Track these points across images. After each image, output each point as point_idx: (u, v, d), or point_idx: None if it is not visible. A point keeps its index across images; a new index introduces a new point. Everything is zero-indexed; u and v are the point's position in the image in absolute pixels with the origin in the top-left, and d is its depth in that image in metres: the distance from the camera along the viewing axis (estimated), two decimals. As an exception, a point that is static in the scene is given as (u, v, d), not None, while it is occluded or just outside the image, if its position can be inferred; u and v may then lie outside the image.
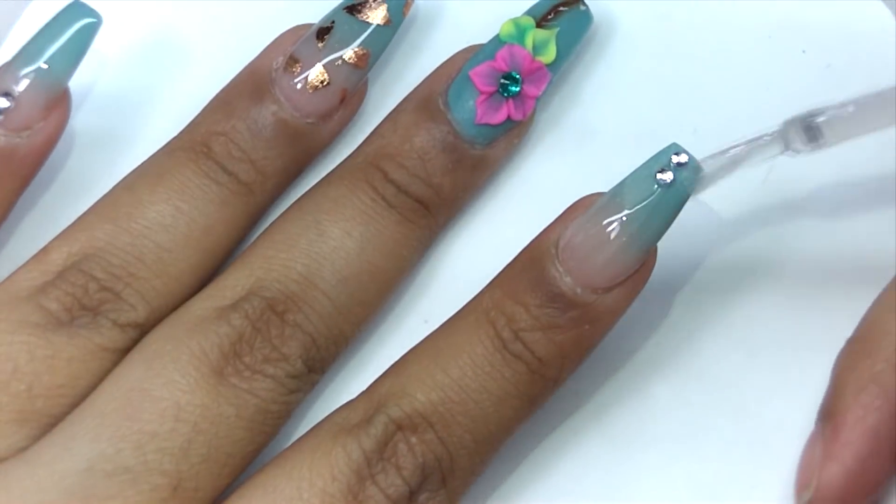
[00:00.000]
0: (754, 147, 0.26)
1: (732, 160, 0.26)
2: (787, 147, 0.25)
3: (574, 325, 0.26)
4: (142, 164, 0.29)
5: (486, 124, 0.29)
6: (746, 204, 0.30)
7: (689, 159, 0.26)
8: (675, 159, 0.26)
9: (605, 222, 0.26)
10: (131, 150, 0.31)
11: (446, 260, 0.30)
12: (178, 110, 0.30)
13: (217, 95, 0.30)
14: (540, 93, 0.30)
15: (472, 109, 0.29)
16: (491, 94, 0.29)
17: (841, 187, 0.31)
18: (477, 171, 0.30)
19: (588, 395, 0.29)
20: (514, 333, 0.26)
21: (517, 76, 0.29)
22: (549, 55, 0.30)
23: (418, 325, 0.29)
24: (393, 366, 0.27)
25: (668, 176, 0.26)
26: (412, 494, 0.25)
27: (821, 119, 0.24)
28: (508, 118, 0.29)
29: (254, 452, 0.27)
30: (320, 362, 0.28)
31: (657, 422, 0.29)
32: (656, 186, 0.26)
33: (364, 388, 0.27)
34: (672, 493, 0.28)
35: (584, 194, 0.29)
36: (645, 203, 0.26)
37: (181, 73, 0.32)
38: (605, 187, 0.30)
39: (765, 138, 0.26)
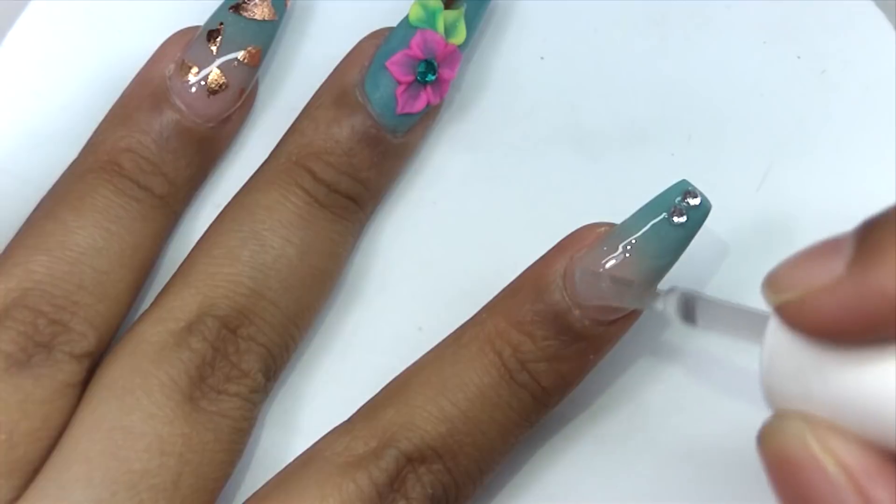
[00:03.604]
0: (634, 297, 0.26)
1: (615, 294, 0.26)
2: (662, 308, 0.24)
3: (580, 355, 0.27)
4: (53, 189, 0.29)
5: (407, 113, 0.29)
6: (740, 211, 0.30)
7: (700, 200, 0.26)
8: (690, 201, 0.26)
9: (615, 258, 0.26)
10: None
11: (441, 267, 0.30)
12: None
13: (113, 110, 0.29)
14: (455, 75, 0.30)
15: (392, 100, 0.29)
16: (410, 84, 0.29)
17: (837, 193, 0.31)
18: (399, 158, 0.30)
19: (582, 400, 0.29)
20: (520, 364, 0.27)
21: (433, 63, 0.29)
22: (460, 36, 0.30)
23: (413, 333, 0.30)
24: (393, 392, 0.27)
25: (682, 219, 0.26)
26: None
27: (698, 303, 0.24)
28: (427, 104, 0.29)
29: (232, 471, 0.27)
30: (275, 371, 0.28)
31: (651, 427, 0.29)
32: (668, 224, 0.26)
33: (359, 395, 0.28)
34: (666, 498, 0.29)
35: (574, 202, 0.30)
36: (656, 240, 0.26)
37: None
38: (599, 192, 0.30)
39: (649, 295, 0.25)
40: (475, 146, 0.31)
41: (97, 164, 0.28)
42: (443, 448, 0.26)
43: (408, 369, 0.28)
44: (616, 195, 0.30)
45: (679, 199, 0.26)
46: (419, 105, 0.29)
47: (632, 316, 0.27)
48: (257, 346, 0.27)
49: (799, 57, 0.32)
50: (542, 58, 0.32)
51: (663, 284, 0.27)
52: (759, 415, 0.29)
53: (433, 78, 0.29)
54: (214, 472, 0.26)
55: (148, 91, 0.29)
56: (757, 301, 0.29)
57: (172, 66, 0.29)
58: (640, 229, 0.26)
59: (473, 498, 0.27)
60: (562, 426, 0.29)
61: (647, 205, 0.27)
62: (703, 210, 0.27)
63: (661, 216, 0.26)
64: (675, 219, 0.26)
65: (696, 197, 0.26)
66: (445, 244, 0.31)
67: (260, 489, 0.27)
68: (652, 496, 0.29)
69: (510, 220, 0.31)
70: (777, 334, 0.21)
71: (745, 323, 0.22)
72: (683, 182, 0.27)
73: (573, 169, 0.31)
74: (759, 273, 0.30)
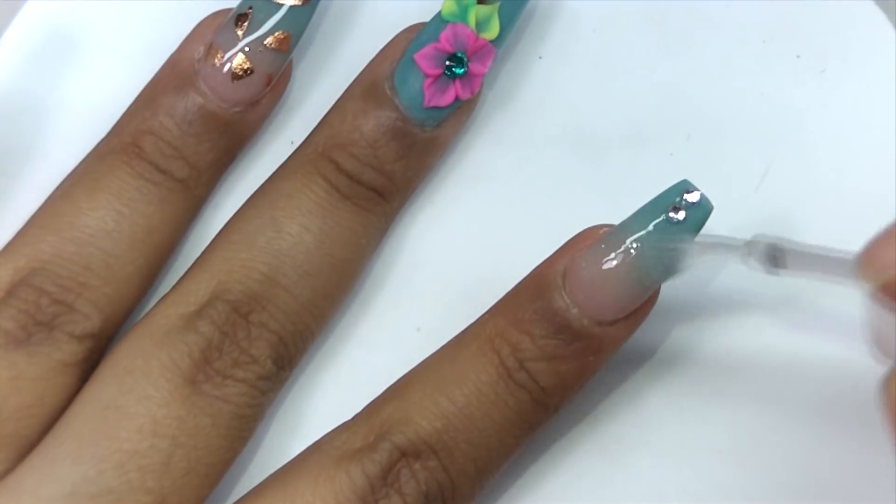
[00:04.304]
0: (718, 249, 0.26)
1: (694, 252, 0.26)
2: (745, 261, 0.24)
3: (579, 355, 0.27)
4: (74, 170, 0.29)
5: (435, 107, 0.29)
6: (739, 210, 0.30)
7: (700, 197, 0.26)
8: (687, 197, 0.26)
9: (614, 257, 0.26)
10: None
11: (439, 268, 0.30)
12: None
13: (142, 92, 0.30)
14: (486, 70, 0.29)
15: (419, 93, 0.29)
16: (437, 77, 0.29)
17: (837, 192, 0.31)
18: (428, 152, 0.30)
19: (583, 402, 0.29)
20: (518, 363, 0.27)
21: (462, 56, 0.29)
22: (493, 31, 0.29)
23: (411, 334, 0.30)
24: (394, 389, 0.27)
25: (681, 215, 0.26)
26: None
27: (787, 249, 0.24)
28: (456, 98, 0.29)
29: (232, 458, 0.27)
30: (289, 360, 0.28)
31: (651, 430, 0.29)
32: (667, 223, 0.26)
33: (356, 396, 0.28)
34: (665, 500, 0.28)
35: (575, 201, 0.29)
36: (657, 240, 0.26)
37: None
38: (597, 192, 0.30)
39: (731, 245, 0.25)
40: (472, 146, 0.31)
41: (119, 146, 0.29)
42: (438, 444, 0.26)
43: (412, 369, 0.28)
44: (615, 195, 0.30)
45: (679, 198, 0.26)
46: (447, 99, 0.29)
47: (633, 319, 0.27)
48: (269, 332, 0.27)
49: (798, 56, 0.31)
50: (540, 57, 0.32)
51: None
52: (760, 420, 0.29)
53: (462, 72, 0.29)
54: (210, 457, 0.26)
55: (175, 73, 0.29)
56: (752, 306, 0.30)
57: (202, 49, 0.29)
58: (640, 229, 0.26)
59: (473, 498, 0.27)
60: (563, 431, 0.29)
61: (647, 204, 0.26)
62: (704, 210, 0.26)
63: (661, 215, 0.26)
64: (672, 215, 0.26)
65: (691, 192, 0.26)
66: (443, 244, 0.30)
67: (261, 481, 0.27)
68: (650, 498, 0.28)
69: (508, 219, 0.30)
70: (879, 309, 0.21)
71: (832, 267, 0.22)
72: (684, 182, 0.26)
73: (571, 168, 0.31)
74: (757, 277, 0.29)
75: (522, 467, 0.28)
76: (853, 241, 0.29)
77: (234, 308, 0.27)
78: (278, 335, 0.27)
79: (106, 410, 0.26)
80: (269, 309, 0.27)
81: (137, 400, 0.26)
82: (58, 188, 0.29)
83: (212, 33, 0.29)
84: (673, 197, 0.26)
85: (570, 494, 0.28)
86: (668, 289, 0.28)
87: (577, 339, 0.27)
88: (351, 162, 0.29)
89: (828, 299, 0.30)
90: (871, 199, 0.30)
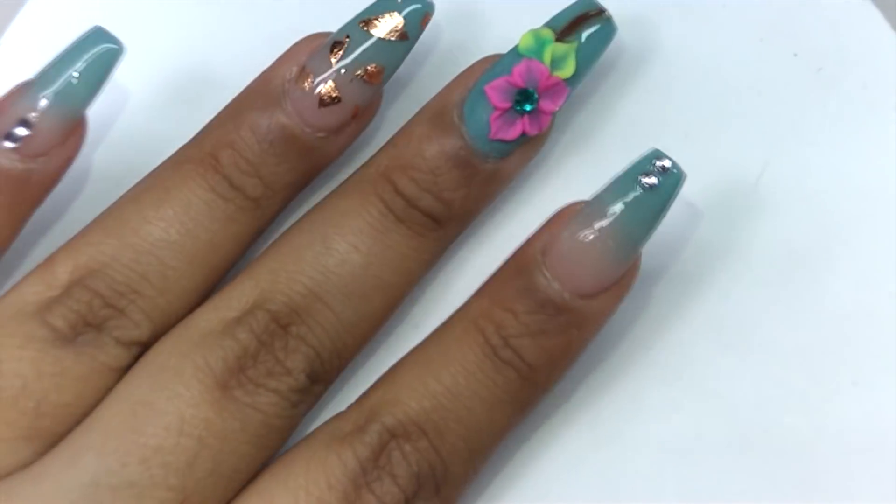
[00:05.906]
0: None
1: None
2: None
3: (563, 330, 0.27)
4: (150, 174, 0.29)
5: (501, 140, 0.29)
6: (740, 207, 0.30)
7: (672, 164, 0.27)
8: (658, 163, 0.27)
9: (590, 229, 0.27)
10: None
11: (438, 264, 0.30)
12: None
13: (229, 104, 0.29)
14: (557, 108, 0.29)
15: (486, 124, 0.29)
16: (505, 111, 0.29)
17: (833, 191, 0.31)
18: (490, 184, 0.29)
19: (579, 398, 0.29)
20: (503, 340, 0.27)
21: (532, 92, 0.29)
22: (568, 70, 0.29)
23: (408, 331, 0.30)
24: (383, 376, 0.28)
25: (652, 180, 0.26)
26: (407, 502, 0.26)
27: None
28: (523, 133, 0.29)
29: (259, 467, 0.27)
30: (324, 375, 0.28)
31: (648, 426, 0.29)
32: (640, 191, 0.27)
33: (353, 393, 0.28)
34: (662, 496, 0.29)
35: (573, 198, 0.29)
36: (630, 208, 0.27)
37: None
38: (595, 190, 0.29)
39: None
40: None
41: (197, 155, 0.28)
42: (427, 423, 0.26)
43: (401, 357, 0.28)
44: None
45: (650, 165, 0.27)
46: (513, 133, 0.29)
47: (616, 291, 0.27)
48: (306, 346, 0.27)
49: (795, 55, 0.32)
50: None
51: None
52: (755, 416, 0.29)
53: (531, 108, 0.29)
54: (236, 462, 0.26)
55: (265, 91, 0.29)
56: (751, 301, 0.30)
57: (295, 69, 0.29)
58: (615, 199, 0.27)
59: (467, 480, 0.27)
60: (559, 425, 0.29)
61: (619, 174, 0.27)
62: (676, 177, 0.27)
63: (634, 183, 0.27)
64: (644, 180, 0.26)
65: (662, 159, 0.27)
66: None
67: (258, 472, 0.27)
68: (647, 494, 0.29)
69: (506, 217, 0.31)
70: None
71: None
72: (655, 150, 0.27)
73: (568, 166, 0.31)
74: (755, 273, 0.30)
75: (518, 461, 0.29)
76: (851, 234, 0.30)
77: (274, 318, 0.27)
78: (315, 350, 0.27)
79: (136, 405, 0.26)
80: (308, 323, 0.27)
81: (167, 398, 0.26)
82: (131, 189, 0.29)
83: (306, 56, 0.29)
84: (645, 165, 0.27)
85: (567, 490, 0.29)
86: (667, 286, 0.28)
87: (559, 313, 0.27)
88: (410, 186, 0.28)
89: (829, 296, 0.30)
90: (868, 197, 0.30)
